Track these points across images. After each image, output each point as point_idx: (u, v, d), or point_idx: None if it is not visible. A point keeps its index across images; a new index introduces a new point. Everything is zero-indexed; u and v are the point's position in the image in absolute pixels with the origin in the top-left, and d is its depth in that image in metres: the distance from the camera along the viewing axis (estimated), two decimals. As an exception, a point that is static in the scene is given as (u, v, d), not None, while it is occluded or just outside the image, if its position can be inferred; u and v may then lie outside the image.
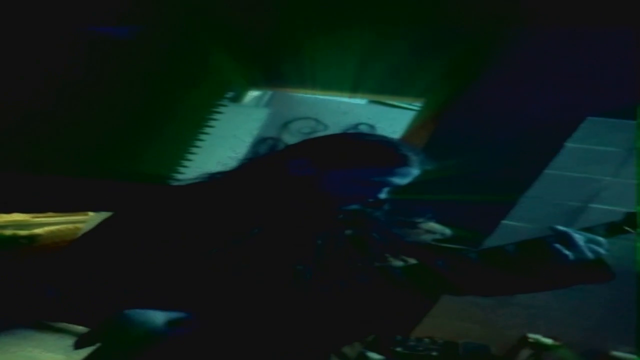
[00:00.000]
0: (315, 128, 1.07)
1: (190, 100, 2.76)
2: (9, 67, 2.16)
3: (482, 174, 2.14)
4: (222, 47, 2.42)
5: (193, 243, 0.94)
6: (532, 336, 2.57)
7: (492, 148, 2.21)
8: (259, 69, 2.55)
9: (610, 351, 2.48)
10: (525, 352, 2.57)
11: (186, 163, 2.86)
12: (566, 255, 0.92)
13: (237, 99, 3.08)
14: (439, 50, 2.23)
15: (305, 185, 1.00)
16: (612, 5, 1.90)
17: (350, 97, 2.73)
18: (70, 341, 0.87)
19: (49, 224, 2.96)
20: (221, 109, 2.89)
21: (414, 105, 2.66)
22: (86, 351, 0.93)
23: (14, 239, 2.77)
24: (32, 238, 2.85)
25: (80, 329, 0.91)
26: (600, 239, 0.94)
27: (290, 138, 1.07)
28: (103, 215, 1.03)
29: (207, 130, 2.88)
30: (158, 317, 0.88)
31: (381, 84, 2.41)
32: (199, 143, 2.88)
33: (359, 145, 1.02)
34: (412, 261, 1.03)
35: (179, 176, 2.76)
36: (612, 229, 0.96)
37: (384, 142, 1.03)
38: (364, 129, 1.06)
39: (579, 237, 0.93)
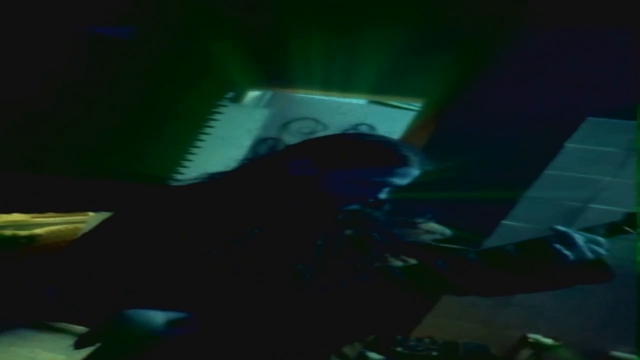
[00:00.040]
0: (315, 128, 1.07)
1: (190, 100, 2.76)
2: (9, 67, 2.16)
3: (482, 174, 2.13)
4: (222, 47, 2.42)
5: (193, 243, 0.94)
6: (532, 336, 2.56)
7: (492, 148, 2.21)
8: (259, 69, 2.55)
9: (610, 351, 2.48)
10: (525, 352, 2.56)
11: (186, 163, 2.86)
12: (566, 256, 0.92)
13: (237, 99, 3.08)
14: (439, 50, 2.23)
15: (306, 186, 1.00)
16: (612, 5, 1.90)
17: (350, 97, 2.73)
18: (70, 341, 0.87)
19: (49, 224, 2.96)
20: (221, 109, 2.88)
21: (414, 105, 2.66)
22: (86, 351, 0.93)
23: (14, 239, 2.77)
24: (32, 238, 2.85)
25: (80, 329, 0.91)
26: (601, 239, 0.94)
27: (290, 138, 1.07)
28: (103, 215, 1.03)
29: (207, 130, 2.88)
30: (158, 317, 0.88)
31: (381, 84, 2.41)
32: (199, 143, 2.88)
33: (359, 145, 1.02)
34: (412, 261, 1.03)
35: (179, 176, 2.76)
36: (612, 229, 0.95)
37: (384, 142, 1.03)
38: (364, 129, 1.06)
39: (579, 238, 0.93)
